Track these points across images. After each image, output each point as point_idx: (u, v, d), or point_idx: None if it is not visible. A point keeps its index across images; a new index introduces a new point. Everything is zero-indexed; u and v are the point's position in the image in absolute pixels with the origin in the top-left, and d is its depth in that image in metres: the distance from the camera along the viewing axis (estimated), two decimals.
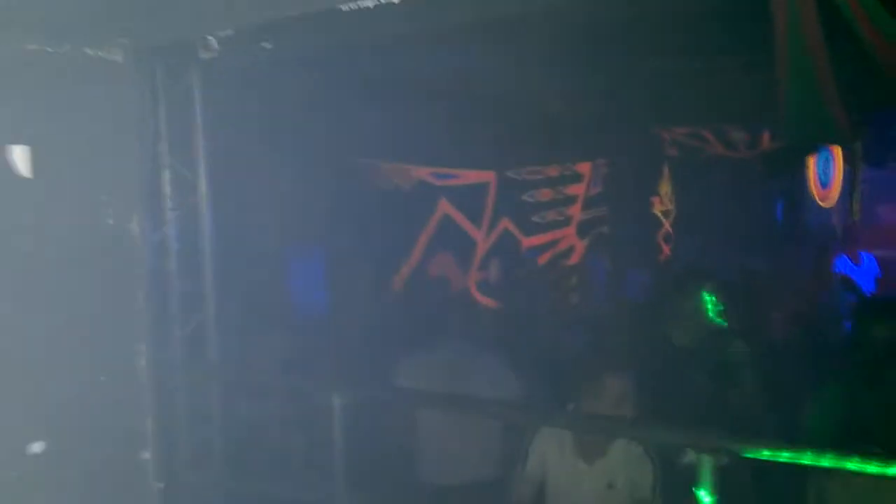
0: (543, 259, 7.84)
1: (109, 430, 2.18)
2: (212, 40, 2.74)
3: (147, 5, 2.37)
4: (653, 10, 3.68)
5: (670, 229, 8.69)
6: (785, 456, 2.44)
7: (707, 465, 2.39)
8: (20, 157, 2.16)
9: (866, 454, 2.23)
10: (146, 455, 2.13)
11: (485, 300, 6.72)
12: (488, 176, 7.36)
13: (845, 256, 6.90)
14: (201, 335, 3.80)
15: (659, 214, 8.65)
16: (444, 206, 6.94)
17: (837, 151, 8.93)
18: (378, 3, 2.20)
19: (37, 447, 2.11)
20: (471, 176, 7.19)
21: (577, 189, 8.34)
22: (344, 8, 2.30)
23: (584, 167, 8.32)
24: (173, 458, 2.99)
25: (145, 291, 2.35)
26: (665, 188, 8.65)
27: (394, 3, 2.20)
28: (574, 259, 8.12)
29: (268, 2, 2.41)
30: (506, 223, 7.56)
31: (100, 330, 2.29)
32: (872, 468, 2.21)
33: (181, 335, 3.78)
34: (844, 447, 2.34)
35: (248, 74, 3.83)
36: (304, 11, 2.39)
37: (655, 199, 8.58)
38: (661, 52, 5.03)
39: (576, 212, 8.32)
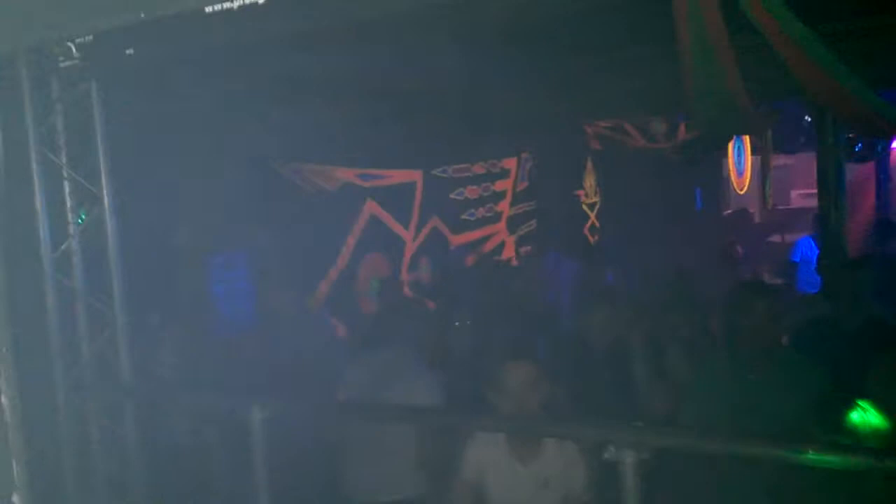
0: (474, 256, 7.83)
1: None
2: (71, 47, 2.58)
3: None
4: (571, 6, 3.69)
5: (596, 221, 8.81)
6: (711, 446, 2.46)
7: (629, 459, 2.39)
8: None
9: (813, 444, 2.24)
10: (15, 499, 1.97)
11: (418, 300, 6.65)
12: (415, 175, 7.29)
13: (810, 239, 6.73)
14: (112, 354, 3.64)
15: (585, 207, 8.76)
16: (372, 207, 6.84)
17: (747, 140, 9.21)
18: (243, 3, 2.11)
19: None
20: (397, 176, 7.11)
21: (505, 184, 8.36)
22: (207, 10, 2.19)
23: (511, 163, 8.34)
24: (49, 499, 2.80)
25: (6, 322, 2.18)
26: (589, 181, 8.76)
27: (258, 4, 2.11)
28: (505, 255, 8.15)
29: (123, 4, 2.26)
30: (435, 222, 7.51)
31: None
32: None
33: (89, 354, 3.63)
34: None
35: (152, 77, 3.66)
36: (163, 14, 2.26)
37: (580, 193, 8.68)
38: (580, 46, 5.07)
39: (505, 207, 8.35)
